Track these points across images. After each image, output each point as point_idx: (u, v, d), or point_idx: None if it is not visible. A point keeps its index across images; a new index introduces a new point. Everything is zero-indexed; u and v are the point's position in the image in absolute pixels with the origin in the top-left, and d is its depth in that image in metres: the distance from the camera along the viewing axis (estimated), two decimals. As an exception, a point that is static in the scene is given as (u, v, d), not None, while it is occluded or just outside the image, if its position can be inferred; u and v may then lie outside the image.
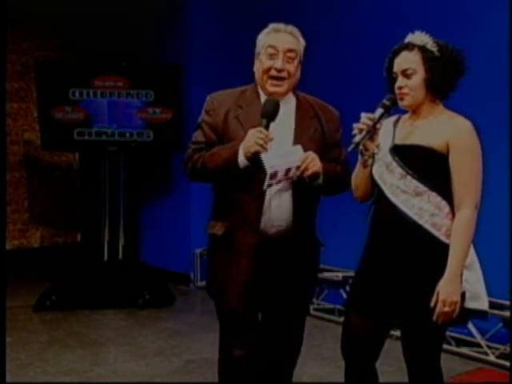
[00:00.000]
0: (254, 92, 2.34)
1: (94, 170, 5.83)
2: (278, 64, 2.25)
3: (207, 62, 5.24)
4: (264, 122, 2.20)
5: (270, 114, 2.21)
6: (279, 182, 2.21)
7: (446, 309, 2.08)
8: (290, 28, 2.31)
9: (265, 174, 2.14)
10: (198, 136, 2.35)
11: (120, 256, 5.27)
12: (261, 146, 2.15)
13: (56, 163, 6.30)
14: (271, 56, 2.26)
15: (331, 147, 2.36)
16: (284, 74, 2.27)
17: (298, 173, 2.21)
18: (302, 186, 2.26)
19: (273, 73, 2.26)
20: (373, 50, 4.24)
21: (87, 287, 4.87)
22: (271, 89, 2.28)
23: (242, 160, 2.19)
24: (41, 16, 5.79)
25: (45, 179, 6.20)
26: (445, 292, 2.07)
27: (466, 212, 2.10)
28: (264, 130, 2.17)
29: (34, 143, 5.98)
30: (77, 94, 4.92)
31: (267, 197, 2.24)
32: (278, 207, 2.27)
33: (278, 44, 2.26)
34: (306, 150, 2.23)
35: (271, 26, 2.33)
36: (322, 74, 4.32)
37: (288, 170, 2.20)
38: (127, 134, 5.00)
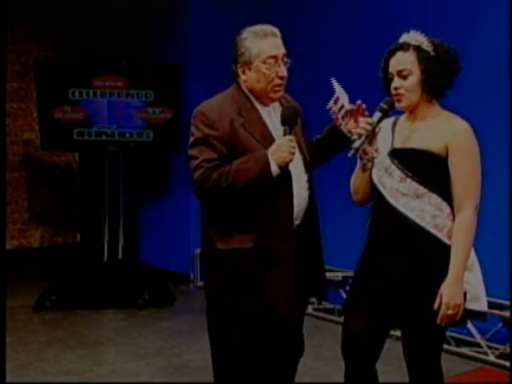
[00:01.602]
0: (244, 98, 2.32)
1: (94, 170, 5.83)
2: (283, 72, 2.27)
3: (207, 62, 5.23)
4: (287, 129, 2.22)
5: (292, 121, 2.25)
6: None
7: (450, 311, 2.08)
8: (272, 29, 2.30)
9: (290, 178, 2.25)
10: (204, 153, 2.24)
11: (120, 256, 5.27)
12: (293, 154, 2.20)
13: (56, 163, 6.29)
14: (273, 65, 2.26)
15: (307, 134, 2.44)
16: (284, 80, 2.29)
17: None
18: (311, 180, 2.34)
19: (277, 81, 2.27)
20: (372, 50, 4.25)
21: (87, 287, 4.87)
22: (276, 95, 2.29)
23: (275, 170, 2.20)
24: (40, 16, 5.79)
25: (44, 179, 6.19)
26: (448, 295, 2.08)
27: (467, 214, 2.10)
28: (293, 138, 2.22)
29: (33, 143, 5.98)
30: (76, 93, 4.92)
31: (294, 199, 2.27)
32: (300, 207, 2.30)
33: (277, 52, 2.26)
34: (303, 143, 2.33)
35: (252, 30, 2.29)
36: (321, 74, 4.32)
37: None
38: (127, 134, 5.00)
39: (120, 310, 4.70)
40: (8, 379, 2.93)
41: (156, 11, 5.44)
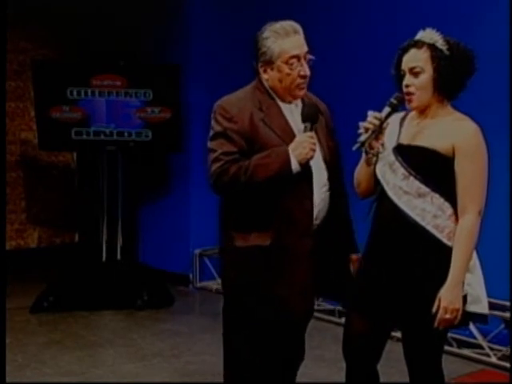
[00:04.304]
0: (265, 93, 2.29)
1: (92, 170, 5.81)
2: (306, 71, 2.25)
3: (207, 62, 5.22)
4: (308, 126, 2.21)
5: (313, 118, 2.23)
6: None
7: (448, 316, 2.06)
8: (293, 26, 2.26)
9: (311, 176, 2.21)
10: (224, 146, 2.22)
11: (118, 256, 5.24)
12: (314, 150, 2.19)
13: (54, 163, 6.27)
14: (295, 65, 2.23)
15: (332, 135, 2.41)
16: (307, 78, 2.27)
17: None
18: (332, 180, 2.31)
19: (300, 80, 2.25)
20: (371, 50, 4.24)
21: (85, 288, 4.84)
22: (299, 93, 2.28)
23: (295, 166, 2.19)
24: (38, 15, 5.77)
25: (42, 179, 6.17)
26: (447, 299, 2.06)
27: (470, 218, 2.08)
28: (314, 135, 2.21)
29: (31, 143, 5.95)
30: (75, 93, 4.90)
31: (315, 198, 2.25)
32: (320, 206, 2.28)
33: (300, 51, 2.23)
34: (324, 142, 2.30)
35: (273, 29, 2.24)
36: (320, 74, 4.30)
37: None
38: (125, 134, 4.97)
39: (119, 311, 4.68)
40: (5, 381, 2.91)
41: (155, 11, 5.43)
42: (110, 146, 4.99)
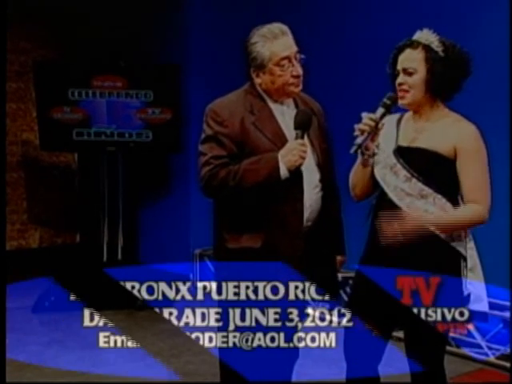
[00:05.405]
0: (257, 96, 2.30)
1: (93, 171, 5.81)
2: (298, 71, 2.25)
3: (207, 62, 5.23)
4: (299, 133, 2.21)
5: (305, 125, 2.23)
6: None
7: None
8: (280, 27, 2.26)
9: (301, 179, 2.22)
10: (214, 150, 2.25)
11: (119, 257, 5.25)
12: (303, 158, 2.19)
13: (55, 163, 6.27)
14: (287, 66, 2.23)
15: (325, 136, 2.41)
16: (300, 77, 2.28)
17: None
18: (325, 181, 2.31)
19: (293, 80, 2.25)
20: (371, 50, 4.25)
21: (86, 288, 4.84)
22: (295, 89, 2.28)
23: (284, 173, 2.20)
24: (39, 15, 5.78)
25: (43, 179, 6.17)
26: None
27: (479, 208, 2.11)
28: (305, 143, 2.21)
29: (32, 143, 5.96)
30: (76, 94, 4.91)
31: (306, 200, 2.25)
32: (311, 208, 2.28)
33: (290, 52, 2.24)
34: (317, 146, 2.30)
35: (260, 33, 2.24)
36: (319, 74, 4.31)
37: None
38: (126, 135, 4.98)
39: (119, 310, 4.68)
40: (5, 380, 2.91)
41: (156, 11, 5.43)
42: (110, 146, 5.00)
